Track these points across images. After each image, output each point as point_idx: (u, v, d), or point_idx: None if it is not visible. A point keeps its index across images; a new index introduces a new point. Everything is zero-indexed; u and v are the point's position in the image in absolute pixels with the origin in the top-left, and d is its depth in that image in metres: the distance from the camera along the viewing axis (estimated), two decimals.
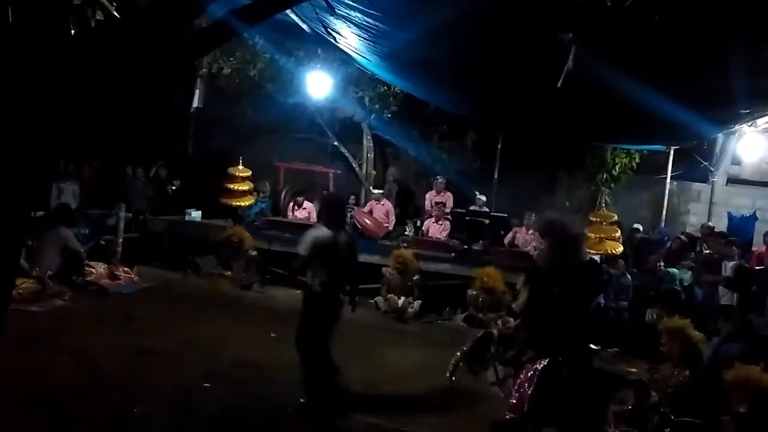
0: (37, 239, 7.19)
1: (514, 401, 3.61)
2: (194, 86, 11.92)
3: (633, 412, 4.91)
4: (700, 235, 9.85)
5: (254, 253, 8.96)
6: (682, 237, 9.70)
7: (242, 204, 10.39)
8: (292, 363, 5.76)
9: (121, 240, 8.99)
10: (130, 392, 4.63)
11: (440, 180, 10.59)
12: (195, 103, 12.03)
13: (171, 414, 4.43)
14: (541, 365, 3.51)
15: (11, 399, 4.06)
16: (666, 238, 9.91)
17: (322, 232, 4.76)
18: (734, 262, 7.86)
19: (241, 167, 10.43)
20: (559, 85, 5.27)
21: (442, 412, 5.04)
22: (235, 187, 10.34)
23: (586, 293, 3.77)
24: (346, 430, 4.59)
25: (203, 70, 11.25)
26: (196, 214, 10.06)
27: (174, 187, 10.74)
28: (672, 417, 4.43)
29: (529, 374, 3.56)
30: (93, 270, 7.81)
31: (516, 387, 3.66)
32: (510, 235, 9.68)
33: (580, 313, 3.61)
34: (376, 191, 10.72)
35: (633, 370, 6.52)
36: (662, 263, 8.73)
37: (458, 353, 4.37)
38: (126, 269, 8.24)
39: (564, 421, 3.61)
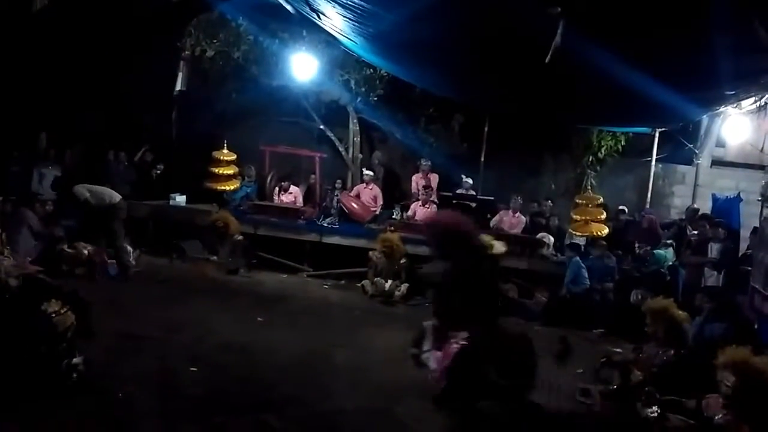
0: (7, 224, 7.07)
1: (439, 373, 4.15)
2: (177, 69, 11.72)
3: (618, 391, 4.97)
4: (684, 217, 9.93)
5: (240, 237, 8.90)
6: (650, 214, 9.76)
7: (227, 188, 10.30)
8: (278, 347, 5.77)
9: None
10: (115, 376, 4.59)
11: (425, 162, 10.57)
12: (178, 87, 11.84)
13: (156, 398, 4.40)
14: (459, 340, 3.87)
15: None
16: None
17: None
18: (721, 244, 7.92)
19: (225, 151, 10.33)
20: (547, 60, 5.23)
21: (429, 395, 5.05)
22: (220, 171, 10.25)
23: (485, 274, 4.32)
24: (334, 414, 4.58)
25: (186, 52, 11.06)
26: (180, 199, 9.96)
27: (158, 172, 10.61)
28: (657, 395, 4.48)
29: (449, 349, 4.03)
30: (77, 252, 7.70)
31: (440, 361, 4.21)
32: (496, 218, 9.70)
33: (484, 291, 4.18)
34: (368, 172, 10.66)
35: (618, 350, 6.59)
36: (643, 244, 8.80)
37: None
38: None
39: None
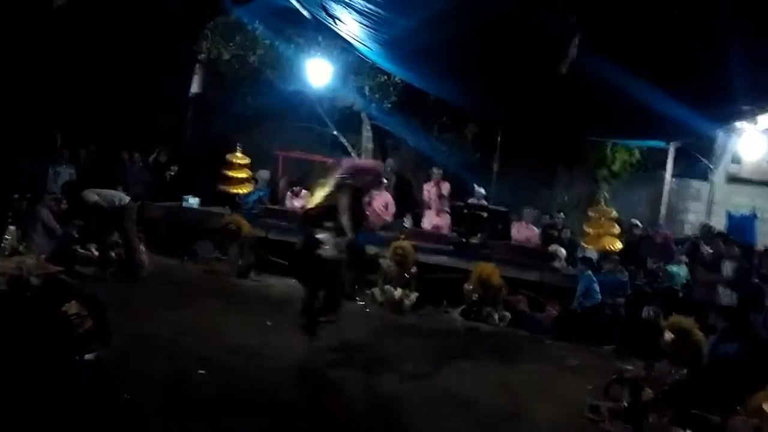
0: (23, 221, 7.12)
1: None
2: (193, 72, 11.81)
3: (628, 409, 4.90)
4: (698, 234, 9.83)
5: (251, 240, 8.90)
6: (665, 230, 9.69)
7: (240, 191, 10.32)
8: (286, 351, 5.75)
9: None
10: (124, 376, 4.60)
11: (437, 171, 10.54)
12: (194, 89, 11.93)
13: (165, 398, 4.40)
14: None
15: None
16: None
17: None
18: (735, 262, 7.83)
19: (239, 154, 10.36)
20: (563, 71, 5.22)
21: (437, 405, 5.02)
22: (234, 175, 10.28)
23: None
24: (341, 420, 4.56)
25: (202, 55, 11.14)
26: (193, 201, 9.99)
27: (172, 173, 10.66)
28: (668, 414, 4.42)
29: None
30: (89, 252, 7.75)
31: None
32: (513, 230, 9.63)
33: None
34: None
35: (629, 367, 6.50)
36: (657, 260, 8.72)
37: None
38: None
39: None
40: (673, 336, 4.90)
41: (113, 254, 7.99)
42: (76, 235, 7.88)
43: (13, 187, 7.80)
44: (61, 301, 4.40)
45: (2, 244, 6.31)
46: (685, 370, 4.73)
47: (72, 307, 4.37)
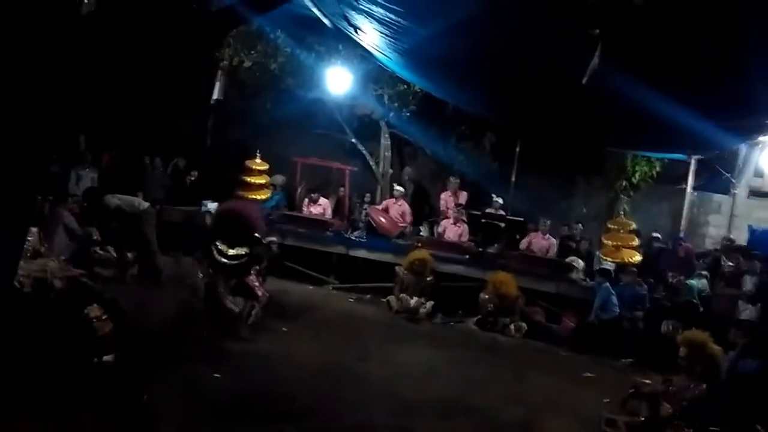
0: (44, 223, 7.23)
1: None
2: (215, 78, 11.94)
3: (646, 423, 4.83)
4: (719, 247, 9.69)
5: (271, 246, 8.92)
6: (686, 243, 9.57)
7: (258, 197, 10.38)
8: (300, 358, 5.77)
9: None
10: (140, 379, 4.62)
11: (454, 180, 10.53)
12: (215, 95, 12.05)
13: (179, 402, 4.43)
14: None
15: None
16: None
17: None
18: (756, 277, 7.70)
19: (258, 160, 10.42)
20: (584, 81, 5.19)
21: (451, 414, 4.99)
22: (252, 180, 10.33)
23: None
24: (352, 429, 4.55)
25: (224, 62, 11.27)
26: (212, 206, 10.05)
27: (192, 178, 10.77)
28: (686, 431, 4.35)
29: None
30: (109, 254, 7.84)
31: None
32: (526, 240, 9.59)
33: None
34: (398, 188, 10.63)
35: (647, 381, 6.42)
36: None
37: None
38: None
39: None
40: (686, 350, 4.84)
41: (131, 256, 8.09)
42: (96, 237, 7.97)
43: (39, 189, 7.92)
44: (83, 304, 4.45)
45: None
46: (703, 386, 4.65)
47: (93, 310, 4.42)
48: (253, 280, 6.40)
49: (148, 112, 10.92)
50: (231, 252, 6.22)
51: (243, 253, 6.24)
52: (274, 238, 6.89)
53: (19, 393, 3.73)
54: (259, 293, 6.31)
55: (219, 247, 6.24)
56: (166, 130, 11.13)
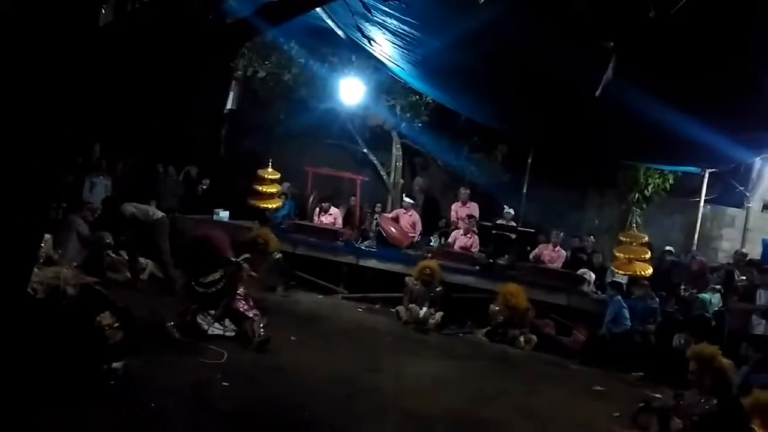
0: (58, 230, 7.31)
1: None
2: (229, 88, 12.07)
3: None
4: (732, 261, 9.61)
5: (279, 255, 8.98)
6: (700, 257, 9.50)
7: (270, 206, 10.44)
8: (309, 368, 5.77)
9: None
10: (149, 386, 4.65)
11: (464, 191, 10.53)
12: (229, 105, 12.18)
13: (187, 409, 4.44)
14: None
15: None
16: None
17: None
18: None
19: (270, 170, 10.49)
20: (597, 93, 5.19)
21: (459, 426, 4.97)
22: (264, 190, 10.40)
23: None
24: None
25: (238, 72, 11.40)
26: (224, 214, 10.15)
27: (204, 187, 10.86)
28: None
29: None
30: (120, 260, 7.92)
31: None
32: (536, 251, 9.56)
33: None
34: (407, 200, 10.66)
35: (658, 395, 6.36)
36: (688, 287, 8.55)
37: None
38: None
39: None
40: (695, 364, 4.79)
41: (143, 262, 8.16)
42: (108, 241, 8.04)
43: (53, 197, 8.02)
44: (95, 312, 4.49)
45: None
46: (714, 401, 4.60)
47: (105, 318, 4.46)
48: (242, 303, 6.38)
49: (163, 121, 11.04)
50: (207, 280, 6.23)
51: (218, 277, 6.25)
52: (247, 255, 6.89)
53: (30, 398, 3.76)
54: (250, 315, 6.32)
55: (197, 279, 6.22)
56: (180, 139, 11.23)
